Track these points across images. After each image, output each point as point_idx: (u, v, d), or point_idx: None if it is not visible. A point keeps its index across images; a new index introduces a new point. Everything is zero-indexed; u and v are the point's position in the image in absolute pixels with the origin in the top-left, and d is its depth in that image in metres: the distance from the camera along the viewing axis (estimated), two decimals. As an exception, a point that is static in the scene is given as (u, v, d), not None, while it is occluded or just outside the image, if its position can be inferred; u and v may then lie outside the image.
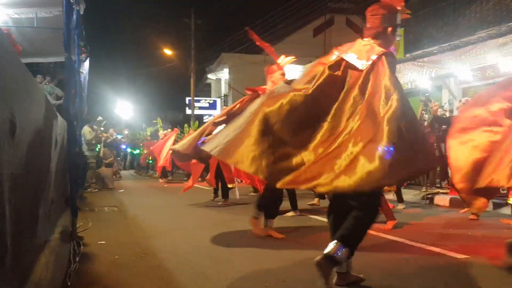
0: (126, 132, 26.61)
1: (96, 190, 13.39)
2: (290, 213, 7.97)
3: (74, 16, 5.69)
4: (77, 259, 4.52)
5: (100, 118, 15.65)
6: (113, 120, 30.35)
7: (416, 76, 12.59)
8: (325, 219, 7.26)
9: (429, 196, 9.48)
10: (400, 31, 4.04)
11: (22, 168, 2.58)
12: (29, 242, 2.91)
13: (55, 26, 7.24)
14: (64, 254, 4.39)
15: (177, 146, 7.18)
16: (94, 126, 14.18)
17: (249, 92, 8.15)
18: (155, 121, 18.96)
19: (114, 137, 17.98)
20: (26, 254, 2.78)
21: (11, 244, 2.30)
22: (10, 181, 2.29)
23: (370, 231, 6.13)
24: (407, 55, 13.68)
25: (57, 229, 4.53)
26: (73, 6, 5.61)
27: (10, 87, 2.34)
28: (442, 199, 9.16)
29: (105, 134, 15.88)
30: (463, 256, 4.70)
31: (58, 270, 3.75)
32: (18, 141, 2.41)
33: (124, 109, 39.29)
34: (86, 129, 13.04)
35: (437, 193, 9.68)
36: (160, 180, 17.55)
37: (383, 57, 3.44)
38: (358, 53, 3.56)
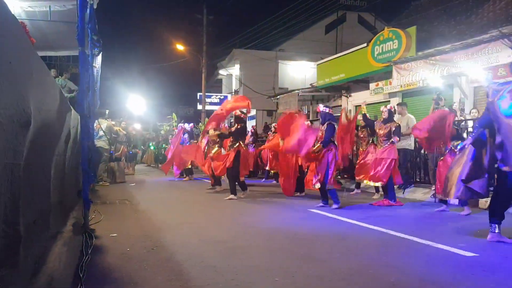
0: (136, 126, 26.69)
1: (108, 183, 13.48)
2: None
3: (88, 10, 5.72)
4: (89, 251, 4.57)
5: (106, 113, 15.77)
6: (125, 114, 30.47)
7: (428, 74, 12.49)
8: (337, 217, 7.29)
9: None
10: None
11: (35, 159, 2.61)
12: (42, 233, 2.95)
13: (69, 20, 7.29)
14: (76, 246, 4.44)
15: None
16: (112, 121, 14.40)
17: None
18: (169, 116, 18.79)
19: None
20: (39, 244, 2.83)
21: (24, 234, 2.34)
22: (24, 172, 2.33)
23: (380, 229, 6.15)
24: (419, 53, 13.58)
25: (70, 221, 4.59)
26: (87, 0, 5.65)
27: (26, 79, 2.37)
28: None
29: (117, 128, 15.98)
30: (471, 254, 4.70)
31: (71, 261, 3.80)
32: (32, 132, 2.44)
33: (135, 104, 39.36)
34: (109, 123, 13.23)
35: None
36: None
37: None
38: None
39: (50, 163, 3.28)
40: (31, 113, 2.31)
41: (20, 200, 2.20)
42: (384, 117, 9.28)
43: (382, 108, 9.49)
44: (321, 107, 8.82)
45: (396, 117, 10.03)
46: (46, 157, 2.97)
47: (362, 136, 11.02)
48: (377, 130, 9.42)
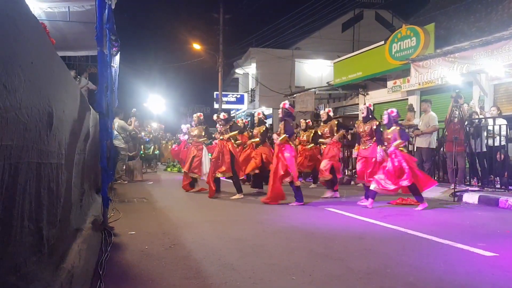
0: (152, 124, 26.82)
1: (126, 181, 13.60)
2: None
3: (106, 11, 5.79)
4: (108, 248, 4.62)
5: (134, 109, 15.93)
6: (143, 113, 30.68)
7: (447, 72, 12.35)
8: (354, 216, 7.25)
9: (457, 193, 9.32)
10: None
11: (58, 159, 2.65)
12: (63, 230, 2.99)
13: (87, 20, 7.39)
14: (95, 243, 4.50)
15: None
16: (130, 119, 14.54)
17: None
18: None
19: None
20: (61, 242, 2.87)
21: (49, 231, 2.38)
22: (48, 171, 2.37)
23: (398, 228, 6.12)
24: (438, 51, 13.44)
25: (89, 219, 4.64)
26: (105, 1, 5.71)
27: (48, 79, 2.41)
28: (471, 197, 9.02)
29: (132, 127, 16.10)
30: (491, 254, 4.65)
31: (90, 258, 3.85)
32: (55, 132, 2.48)
33: (154, 103, 39.61)
34: (122, 122, 13.35)
35: (466, 190, 9.52)
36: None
37: None
38: None
39: (72, 161, 3.32)
40: (53, 112, 2.35)
41: (44, 198, 2.24)
42: (363, 115, 8.95)
43: (361, 106, 9.25)
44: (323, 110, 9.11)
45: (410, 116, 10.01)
46: (68, 156, 3.01)
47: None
48: (359, 130, 9.04)
